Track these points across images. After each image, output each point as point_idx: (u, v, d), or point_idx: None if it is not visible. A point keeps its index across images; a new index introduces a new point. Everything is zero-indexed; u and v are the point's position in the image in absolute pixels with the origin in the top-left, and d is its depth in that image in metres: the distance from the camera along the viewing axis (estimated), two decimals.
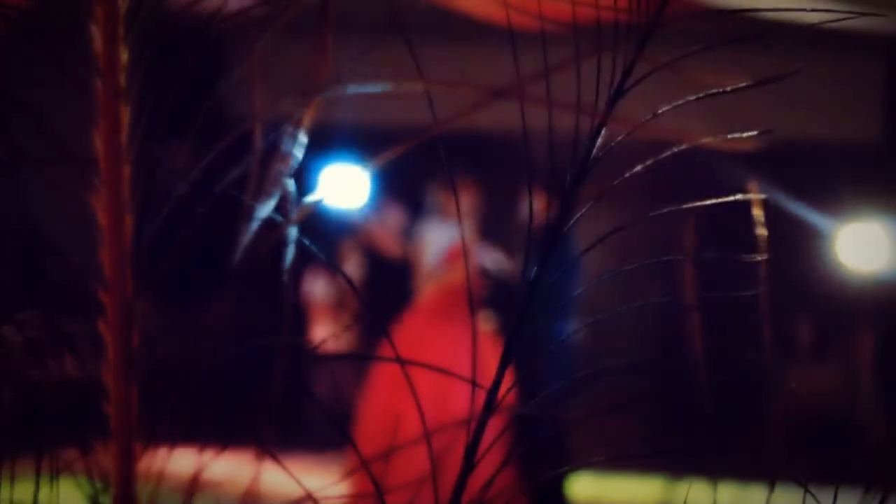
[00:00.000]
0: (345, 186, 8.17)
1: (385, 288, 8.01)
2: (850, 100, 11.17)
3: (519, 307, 4.47)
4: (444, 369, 4.86)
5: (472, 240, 6.78)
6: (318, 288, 9.14)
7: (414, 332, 6.67)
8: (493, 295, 6.65)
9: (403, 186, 8.34)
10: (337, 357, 8.95)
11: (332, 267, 8.88)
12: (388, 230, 8.16)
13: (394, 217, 8.51)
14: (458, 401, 6.36)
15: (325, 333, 9.04)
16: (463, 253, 6.65)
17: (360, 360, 8.37)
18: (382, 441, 6.49)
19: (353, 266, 9.15)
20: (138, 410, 2.16)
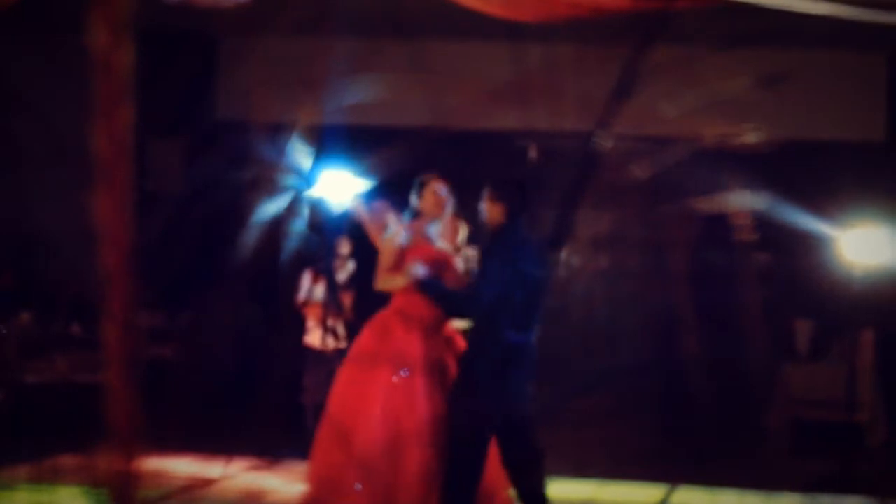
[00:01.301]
0: (339, 186, 8.15)
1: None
2: (855, 98, 11.17)
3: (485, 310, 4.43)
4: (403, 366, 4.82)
5: (425, 237, 6.75)
6: (311, 288, 9.12)
7: (379, 333, 6.69)
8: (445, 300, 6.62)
9: (397, 184, 8.35)
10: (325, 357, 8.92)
11: (326, 267, 8.85)
12: (378, 226, 8.14)
13: (383, 213, 8.49)
14: (419, 398, 6.38)
15: (318, 334, 9.01)
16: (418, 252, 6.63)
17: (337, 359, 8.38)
18: (343, 439, 6.52)
19: (345, 266, 9.13)
20: (139, 412, 2.16)
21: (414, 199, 6.74)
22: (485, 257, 6.38)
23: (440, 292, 6.52)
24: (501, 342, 6.21)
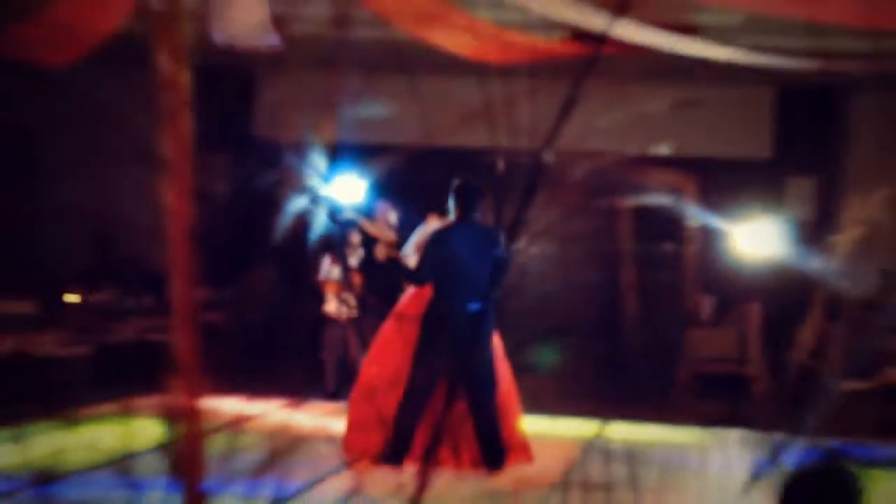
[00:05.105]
0: (350, 189, 8.13)
1: (381, 269, 8.00)
2: (747, 123, 11.21)
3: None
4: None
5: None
6: (330, 269, 9.12)
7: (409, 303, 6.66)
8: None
9: (393, 189, 8.39)
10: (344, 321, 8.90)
11: (341, 253, 8.84)
12: (381, 222, 8.13)
13: (385, 212, 8.49)
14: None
15: (334, 305, 9.02)
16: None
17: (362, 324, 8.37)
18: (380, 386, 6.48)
19: (356, 252, 9.11)
20: (199, 363, 2.17)
21: (450, 203, 6.46)
22: (428, 241, 6.36)
23: (397, 266, 6.58)
24: (448, 307, 6.13)
